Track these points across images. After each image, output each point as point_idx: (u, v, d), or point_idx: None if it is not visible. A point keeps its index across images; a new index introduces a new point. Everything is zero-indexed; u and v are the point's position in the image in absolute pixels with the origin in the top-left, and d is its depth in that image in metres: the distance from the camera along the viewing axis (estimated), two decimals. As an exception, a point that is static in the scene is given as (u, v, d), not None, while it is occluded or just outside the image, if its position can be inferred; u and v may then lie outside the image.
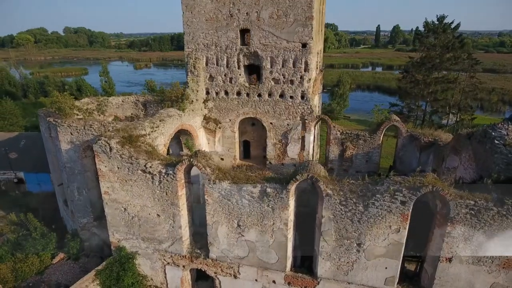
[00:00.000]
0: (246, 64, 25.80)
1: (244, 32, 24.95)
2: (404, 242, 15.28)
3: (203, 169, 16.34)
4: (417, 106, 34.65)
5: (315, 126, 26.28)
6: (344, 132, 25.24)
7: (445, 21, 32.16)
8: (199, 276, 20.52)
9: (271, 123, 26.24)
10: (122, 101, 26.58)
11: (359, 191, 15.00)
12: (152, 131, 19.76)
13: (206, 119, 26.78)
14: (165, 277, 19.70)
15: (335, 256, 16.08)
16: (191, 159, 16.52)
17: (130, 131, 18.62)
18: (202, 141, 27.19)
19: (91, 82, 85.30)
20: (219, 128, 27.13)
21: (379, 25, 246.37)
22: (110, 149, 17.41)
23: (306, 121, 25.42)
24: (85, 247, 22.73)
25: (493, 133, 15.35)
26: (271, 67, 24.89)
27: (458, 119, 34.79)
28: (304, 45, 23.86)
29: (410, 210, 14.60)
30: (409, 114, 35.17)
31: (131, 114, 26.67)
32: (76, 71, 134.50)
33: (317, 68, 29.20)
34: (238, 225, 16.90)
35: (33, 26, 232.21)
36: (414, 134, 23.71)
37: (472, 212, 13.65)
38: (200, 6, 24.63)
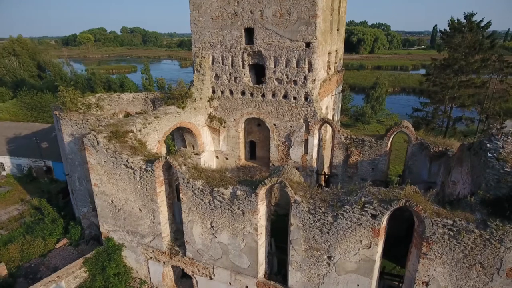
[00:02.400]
0: (251, 63, 25.41)
1: (249, 31, 24.57)
2: (378, 259, 14.06)
3: (178, 167, 16.34)
4: (443, 112, 31.43)
5: (319, 129, 25.14)
6: (349, 137, 23.85)
7: (474, 19, 28.83)
8: (186, 274, 20.61)
9: (274, 124, 25.60)
10: (133, 98, 27.55)
11: (330, 200, 14.07)
12: (143, 127, 20.19)
13: (211, 117, 26.85)
14: (148, 271, 20.08)
15: (305, 267, 15.23)
16: (167, 157, 16.60)
17: (120, 127, 19.21)
18: (206, 140, 27.34)
19: (137, 79, 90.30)
20: (224, 127, 27.06)
21: (436, 25, 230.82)
22: (98, 143, 18.09)
23: (309, 123, 24.43)
24: (85, 235, 23.93)
25: (488, 145, 13.49)
26: (274, 66, 24.25)
27: (485, 128, 31.03)
28: (307, 45, 22.90)
29: (383, 225, 13.37)
30: (431, 120, 32.01)
31: (141, 110, 27.48)
32: (126, 68, 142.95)
33: (329, 68, 27.98)
34: (211, 226, 16.70)
35: (94, 26, 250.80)
36: (424, 142, 21.73)
37: (451, 232, 12.14)
38: (206, 5, 24.71)
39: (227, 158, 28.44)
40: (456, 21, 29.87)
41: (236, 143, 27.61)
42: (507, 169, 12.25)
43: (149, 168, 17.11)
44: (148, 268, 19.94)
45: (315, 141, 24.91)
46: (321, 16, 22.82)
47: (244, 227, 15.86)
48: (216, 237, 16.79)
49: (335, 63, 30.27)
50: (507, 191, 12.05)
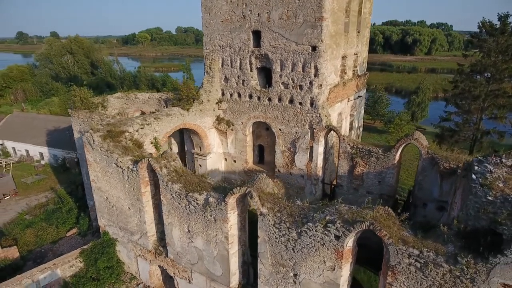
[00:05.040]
0: (258, 66, 25.00)
1: (257, 34, 24.14)
2: (344, 284, 13.00)
3: (158, 169, 16.54)
4: (474, 123, 27.79)
5: (326, 137, 23.95)
6: (355, 146, 22.44)
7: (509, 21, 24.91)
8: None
9: (280, 129, 24.91)
10: (148, 98, 28.50)
11: (297, 215, 13.32)
12: (141, 128, 20.75)
13: (219, 120, 26.88)
14: (138, 268, 20.64)
15: (273, 282, 14.60)
16: (149, 159, 16.88)
17: (117, 127, 19.93)
18: (214, 142, 27.44)
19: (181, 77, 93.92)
20: (231, 130, 26.95)
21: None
22: (93, 141, 18.96)
23: (314, 130, 23.41)
24: (93, 226, 25.28)
25: (476, 167, 11.78)
26: (280, 70, 23.58)
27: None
28: (313, 48, 21.91)
29: (347, 248, 12.32)
30: (457, 131, 28.48)
31: (155, 110, 28.33)
32: (174, 66, 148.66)
33: (344, 73, 26.58)
34: (188, 230, 16.68)
35: (151, 26, 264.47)
36: (435, 157, 19.72)
37: (418, 264, 10.84)
38: (217, 8, 24.76)
39: (234, 161, 28.32)
40: (488, 23, 26.33)
41: (244, 147, 27.36)
42: (490, 198, 10.57)
43: (135, 169, 17.53)
44: (137, 264, 20.51)
45: (320, 149, 23.80)
46: (330, 18, 21.70)
47: (216, 235, 15.62)
48: (192, 241, 16.76)
49: (355, 67, 28.70)
50: (487, 223, 10.44)
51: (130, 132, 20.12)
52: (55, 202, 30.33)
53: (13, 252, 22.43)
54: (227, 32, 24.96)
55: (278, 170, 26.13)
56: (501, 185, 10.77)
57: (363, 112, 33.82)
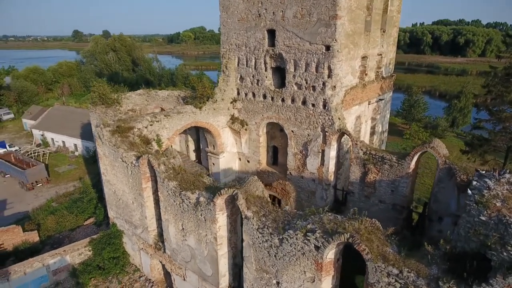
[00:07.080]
0: (273, 66, 24.54)
1: (273, 33, 23.70)
2: (325, 296, 12.29)
3: (156, 166, 16.78)
4: (509, 132, 24.83)
5: (338, 141, 22.93)
6: (368, 152, 21.26)
7: None
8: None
9: (292, 130, 24.28)
10: (167, 95, 29.20)
11: (280, 221, 12.83)
12: (150, 125, 21.19)
13: (233, 119, 26.80)
14: (141, 261, 21.15)
15: (258, 288, 14.20)
16: (149, 155, 17.17)
17: (127, 122, 20.53)
18: (228, 141, 27.41)
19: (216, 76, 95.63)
20: (245, 129, 26.75)
21: None
22: (103, 135, 19.69)
23: (326, 133, 22.52)
24: (108, 217, 26.32)
25: (475, 183, 10.55)
26: (294, 70, 22.96)
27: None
28: (327, 48, 21.08)
29: (328, 260, 11.63)
30: (487, 140, 25.56)
31: (173, 107, 28.92)
32: (214, 65, 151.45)
33: (365, 74, 25.31)
34: (182, 228, 16.77)
35: (195, 25, 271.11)
36: (453, 168, 18.10)
37: (397, 284, 9.95)
38: (234, 6, 24.68)
39: (248, 161, 28.10)
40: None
41: (257, 147, 27.05)
42: (483, 218, 9.38)
43: (137, 164, 17.93)
44: (140, 257, 21.01)
45: (332, 153, 22.85)
46: (346, 16, 20.73)
47: (206, 235, 15.54)
48: (186, 239, 16.81)
49: (378, 68, 27.23)
50: (476, 246, 9.30)
51: (139, 128, 20.62)
52: (80, 191, 32.08)
53: (33, 236, 23.97)
54: (243, 31, 24.78)
55: (290, 172, 25.51)
56: (498, 204, 9.52)
57: (388, 116, 32.02)
